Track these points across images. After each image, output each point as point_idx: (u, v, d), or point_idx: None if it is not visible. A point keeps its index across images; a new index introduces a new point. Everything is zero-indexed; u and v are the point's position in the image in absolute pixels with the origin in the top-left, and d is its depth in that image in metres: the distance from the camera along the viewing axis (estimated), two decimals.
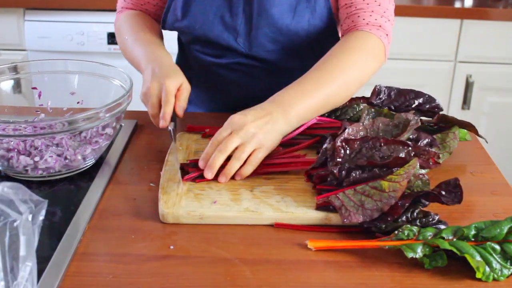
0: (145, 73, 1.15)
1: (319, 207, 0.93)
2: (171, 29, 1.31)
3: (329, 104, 1.09)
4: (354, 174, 0.92)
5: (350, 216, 0.88)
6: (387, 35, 1.17)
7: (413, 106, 1.16)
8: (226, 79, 1.34)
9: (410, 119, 1.01)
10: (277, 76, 1.32)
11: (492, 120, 2.49)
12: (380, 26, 1.16)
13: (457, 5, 2.40)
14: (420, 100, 1.17)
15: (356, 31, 1.16)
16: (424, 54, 2.42)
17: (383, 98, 1.16)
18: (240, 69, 1.32)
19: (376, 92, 1.16)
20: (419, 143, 1.01)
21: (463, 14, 2.36)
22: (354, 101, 1.16)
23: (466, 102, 2.46)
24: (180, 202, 0.94)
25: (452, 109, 2.48)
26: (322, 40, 1.26)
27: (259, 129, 0.99)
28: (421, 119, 1.09)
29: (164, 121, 1.07)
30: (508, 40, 2.40)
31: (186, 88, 1.12)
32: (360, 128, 1.01)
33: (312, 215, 0.92)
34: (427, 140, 1.01)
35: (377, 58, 1.15)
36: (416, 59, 2.42)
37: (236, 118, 1.00)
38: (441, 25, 2.37)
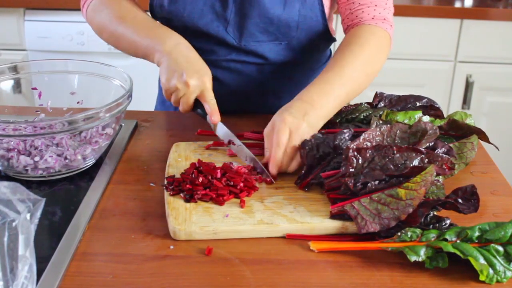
0: (168, 63, 1.12)
1: (333, 216, 0.91)
2: (156, 18, 1.28)
3: (349, 98, 1.13)
4: (370, 185, 0.91)
5: (367, 225, 0.87)
6: (391, 25, 1.22)
7: (416, 107, 1.16)
8: (216, 79, 1.32)
9: (428, 128, 1.00)
10: (268, 74, 1.31)
11: (492, 120, 2.49)
12: (384, 18, 1.20)
13: (457, 5, 2.40)
14: (420, 103, 1.17)
15: (364, 25, 1.20)
16: (424, 54, 2.43)
17: (383, 105, 1.17)
18: (230, 66, 1.30)
19: (378, 97, 1.18)
20: (436, 152, 0.98)
21: (463, 14, 2.36)
22: (358, 105, 1.16)
23: (466, 102, 2.46)
24: (191, 218, 0.91)
25: (452, 109, 2.49)
26: (312, 33, 1.27)
27: (310, 128, 1.04)
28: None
29: (217, 117, 1.12)
30: (508, 40, 2.40)
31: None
32: (377, 134, 0.99)
33: (328, 225, 0.90)
34: (444, 149, 1.00)
35: (386, 50, 1.20)
36: (416, 59, 2.42)
37: (290, 119, 1.03)
38: (441, 25, 2.38)
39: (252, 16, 1.23)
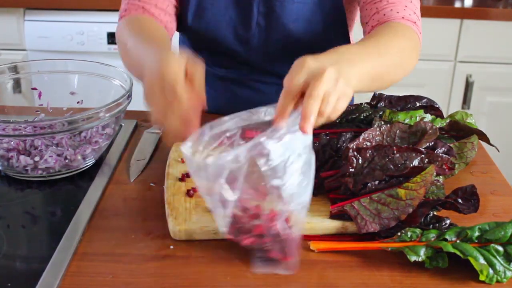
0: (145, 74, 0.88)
1: (333, 216, 0.91)
2: (181, 31, 1.27)
3: (383, 78, 0.96)
4: (370, 185, 0.91)
5: (367, 225, 0.87)
6: (420, 32, 1.09)
7: (416, 107, 1.16)
8: (236, 95, 1.32)
9: (428, 128, 1.00)
10: None
11: (492, 120, 2.49)
12: (414, 22, 1.08)
13: (457, 5, 2.40)
14: (420, 103, 1.17)
15: (395, 22, 1.06)
16: (424, 54, 2.40)
17: (383, 105, 1.17)
18: (251, 85, 1.31)
19: (377, 97, 1.17)
20: (436, 152, 0.98)
21: (463, 14, 2.36)
22: (358, 105, 1.15)
23: (466, 102, 2.46)
24: (191, 218, 0.90)
25: (452, 109, 2.48)
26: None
27: (339, 74, 0.79)
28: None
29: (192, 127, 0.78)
30: (508, 40, 2.40)
31: (197, 66, 0.82)
32: (377, 133, 0.99)
33: (328, 225, 0.90)
34: (443, 149, 0.99)
35: (418, 51, 1.07)
36: None
37: (311, 63, 0.80)
38: (441, 25, 2.37)
39: (276, 40, 1.21)
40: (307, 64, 0.79)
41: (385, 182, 0.91)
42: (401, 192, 0.88)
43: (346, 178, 0.92)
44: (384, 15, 1.08)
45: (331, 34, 1.23)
